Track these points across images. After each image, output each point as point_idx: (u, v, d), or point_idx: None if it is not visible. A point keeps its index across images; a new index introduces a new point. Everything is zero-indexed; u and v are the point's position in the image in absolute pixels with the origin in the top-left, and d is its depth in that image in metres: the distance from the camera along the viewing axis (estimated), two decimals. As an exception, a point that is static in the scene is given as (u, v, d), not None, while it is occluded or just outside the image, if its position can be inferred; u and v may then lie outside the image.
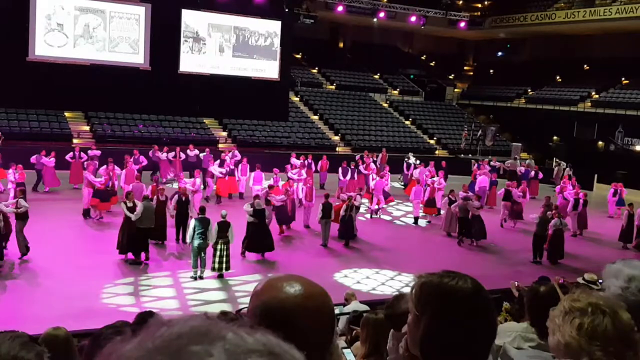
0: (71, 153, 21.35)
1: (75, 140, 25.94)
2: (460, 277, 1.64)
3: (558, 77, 40.15)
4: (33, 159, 20.36)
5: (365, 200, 22.34)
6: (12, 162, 18.57)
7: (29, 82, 24.68)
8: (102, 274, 13.26)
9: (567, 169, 28.46)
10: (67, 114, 28.00)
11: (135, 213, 14.04)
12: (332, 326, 1.35)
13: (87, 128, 27.84)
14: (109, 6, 27.46)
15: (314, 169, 23.84)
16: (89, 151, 21.63)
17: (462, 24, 40.18)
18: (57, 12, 26.42)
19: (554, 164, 30.74)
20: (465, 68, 48.06)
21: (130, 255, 14.10)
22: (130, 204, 14.25)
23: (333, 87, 39.55)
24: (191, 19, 29.29)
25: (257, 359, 0.79)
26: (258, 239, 14.94)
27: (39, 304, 11.53)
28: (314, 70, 40.57)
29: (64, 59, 26.57)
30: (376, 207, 20.86)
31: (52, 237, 15.21)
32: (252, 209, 14.89)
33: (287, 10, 31.24)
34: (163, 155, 22.94)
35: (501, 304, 7.36)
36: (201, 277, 13.46)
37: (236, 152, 23.51)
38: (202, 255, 13.52)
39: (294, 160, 20.81)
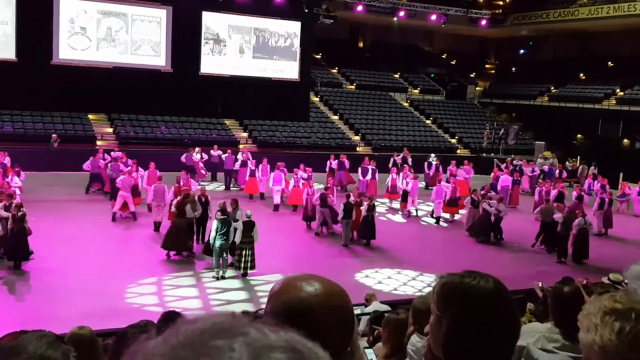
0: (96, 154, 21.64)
1: (98, 142, 26.27)
2: (481, 277, 1.63)
3: (581, 75, 39.65)
4: (87, 164, 20.63)
5: (385, 200, 22.31)
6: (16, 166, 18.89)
7: (53, 85, 25.03)
8: (126, 274, 13.40)
9: (592, 167, 28.09)
10: (90, 116, 28.36)
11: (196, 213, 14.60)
12: (352, 325, 1.35)
13: (110, 130, 28.16)
14: (130, 9, 27.74)
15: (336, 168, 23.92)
16: (112, 153, 21.86)
17: (484, 22, 39.86)
18: (80, 15, 26.75)
19: (576, 162, 30.37)
20: (486, 66, 47.68)
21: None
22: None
23: (353, 86, 39.50)
24: (212, 21, 29.47)
25: (279, 355, 0.79)
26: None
27: (64, 303, 11.68)
28: (334, 70, 40.55)
29: (87, 62, 26.89)
30: (412, 208, 20.85)
31: (78, 237, 15.39)
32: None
33: (306, 10, 31.28)
34: (197, 157, 23.17)
35: (525, 304, 7.30)
36: (223, 277, 13.54)
37: (248, 153, 23.67)
38: (224, 255, 13.60)
39: (300, 173, 20.77)
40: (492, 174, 25.11)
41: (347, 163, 24.05)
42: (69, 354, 1.48)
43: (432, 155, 27.10)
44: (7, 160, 20.03)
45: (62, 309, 11.16)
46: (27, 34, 24.58)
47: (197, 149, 23.68)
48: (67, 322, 5.77)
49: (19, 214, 13.26)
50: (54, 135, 24.25)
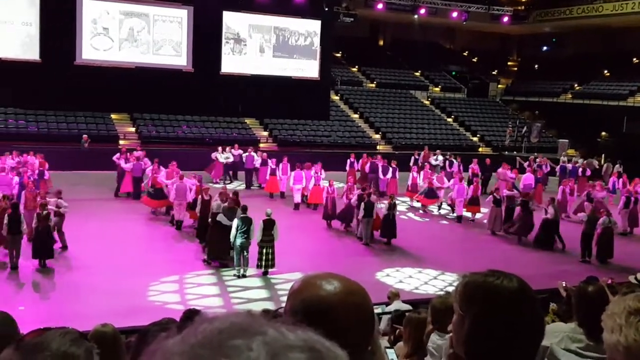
0: (117, 154, 21.84)
1: (121, 142, 26.54)
2: (505, 276, 1.61)
3: (606, 71, 39.08)
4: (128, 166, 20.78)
5: (406, 199, 22.22)
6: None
7: (76, 85, 25.32)
8: (148, 272, 13.52)
9: (617, 165, 27.68)
10: (113, 116, 28.67)
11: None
12: (373, 324, 1.34)
13: (132, 129, 28.44)
14: (152, 10, 27.96)
15: (356, 167, 23.86)
16: (134, 152, 22.07)
17: (506, 19, 39.47)
18: (102, 16, 27.03)
19: (600, 160, 29.96)
20: (508, 63, 47.22)
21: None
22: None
23: (373, 85, 39.39)
24: (232, 21, 29.59)
25: (297, 354, 0.78)
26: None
27: (88, 301, 11.82)
28: (354, 69, 40.47)
29: (110, 62, 27.17)
30: (457, 214, 20.42)
31: (102, 235, 15.55)
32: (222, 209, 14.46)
33: (326, 9, 31.26)
34: (222, 159, 23.39)
35: (548, 304, 7.22)
36: (244, 275, 13.59)
37: (252, 153, 23.71)
38: (245, 253, 13.65)
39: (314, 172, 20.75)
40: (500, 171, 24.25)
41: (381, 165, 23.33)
42: (92, 351, 1.49)
43: (444, 154, 26.92)
44: (32, 160, 20.28)
45: (85, 307, 11.29)
46: (50, 35, 24.90)
47: (222, 149, 23.92)
48: (90, 320, 5.83)
49: (44, 212, 13.46)
50: (84, 136, 24.61)
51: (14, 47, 24.53)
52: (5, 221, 13.28)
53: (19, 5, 24.47)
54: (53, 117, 27.01)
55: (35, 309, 11.09)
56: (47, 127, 26.51)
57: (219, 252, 14.29)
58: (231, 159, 23.79)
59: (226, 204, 14.44)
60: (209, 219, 14.53)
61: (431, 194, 20.80)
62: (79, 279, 13.22)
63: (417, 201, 21.42)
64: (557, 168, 26.94)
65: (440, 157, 26.13)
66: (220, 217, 14.18)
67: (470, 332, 1.57)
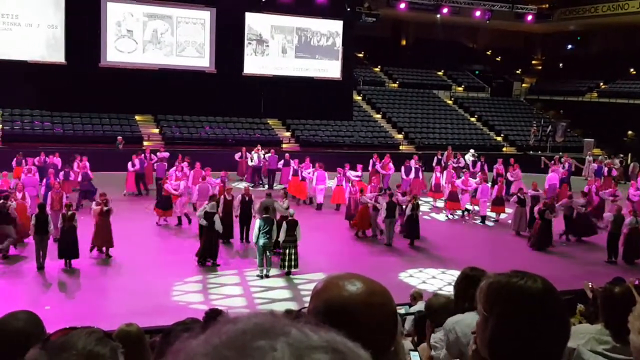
0: (142, 155, 22.08)
1: (145, 143, 26.80)
2: (529, 277, 1.60)
3: (632, 70, 38.45)
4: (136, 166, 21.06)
5: (429, 199, 22.10)
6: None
7: (101, 87, 25.61)
8: (172, 272, 13.62)
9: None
10: (137, 117, 28.97)
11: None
12: (395, 324, 1.34)
13: (156, 130, 28.70)
14: (175, 12, 28.17)
15: (378, 168, 23.77)
16: (158, 153, 22.27)
17: (529, 17, 39.05)
18: (126, 19, 27.31)
19: (627, 159, 29.48)
20: (533, 62, 46.72)
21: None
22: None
23: (396, 85, 39.24)
24: (254, 22, 29.69)
25: (320, 355, 0.79)
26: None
27: (112, 300, 11.97)
28: (377, 69, 40.36)
29: (134, 64, 27.42)
30: (481, 214, 20.19)
31: (126, 236, 15.66)
32: (204, 212, 14.36)
33: (348, 9, 31.20)
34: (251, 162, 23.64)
35: (575, 305, 7.12)
36: (267, 276, 13.64)
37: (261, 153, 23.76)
38: (267, 254, 13.69)
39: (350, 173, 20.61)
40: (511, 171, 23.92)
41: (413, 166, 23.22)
42: (117, 350, 1.50)
43: (472, 151, 26.68)
44: (57, 161, 20.59)
45: (110, 306, 11.43)
46: (76, 38, 25.21)
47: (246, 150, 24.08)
48: (115, 319, 5.90)
49: (69, 213, 13.64)
50: (119, 138, 24.91)
51: (40, 50, 24.89)
52: (33, 222, 13.50)
53: (45, 9, 24.83)
54: (78, 118, 27.38)
55: (61, 308, 11.23)
56: (73, 128, 26.89)
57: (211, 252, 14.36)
58: (256, 162, 23.90)
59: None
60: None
61: (453, 197, 20.56)
62: (103, 278, 13.39)
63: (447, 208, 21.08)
64: (585, 167, 26.55)
65: (469, 157, 25.74)
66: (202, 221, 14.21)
67: (494, 333, 1.56)
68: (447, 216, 20.52)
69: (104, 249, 14.43)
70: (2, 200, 14.16)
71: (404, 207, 16.93)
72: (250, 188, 18.19)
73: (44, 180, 17.67)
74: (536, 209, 17.36)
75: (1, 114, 26.72)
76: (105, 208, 14.27)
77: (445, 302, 4.51)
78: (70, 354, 1.40)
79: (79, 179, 19.24)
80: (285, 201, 15.53)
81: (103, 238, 14.32)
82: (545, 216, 16.82)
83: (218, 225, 14.12)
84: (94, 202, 15.39)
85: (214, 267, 14.10)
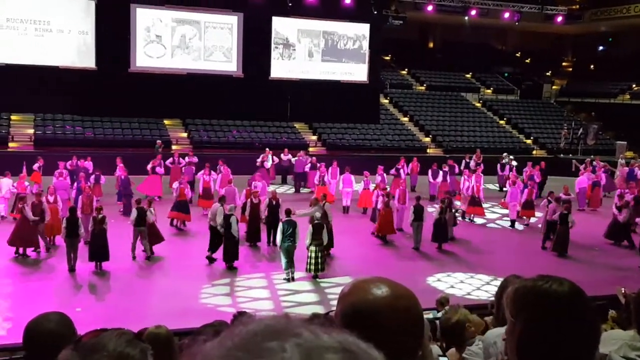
0: (171, 158, 22.32)
1: (174, 147, 27.08)
2: (555, 280, 1.59)
3: (666, 71, 37.67)
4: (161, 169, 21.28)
5: (457, 203, 21.89)
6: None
7: (130, 92, 25.96)
8: (200, 275, 13.73)
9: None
10: (166, 122, 29.31)
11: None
12: (422, 327, 1.34)
13: (184, 135, 29.00)
14: (203, 17, 28.44)
15: (406, 171, 23.56)
16: (187, 157, 22.47)
17: (559, 19, 38.52)
18: (155, 24, 27.65)
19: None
20: (563, 64, 46.06)
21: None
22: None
23: (423, 87, 39.03)
24: (281, 26, 29.81)
25: (331, 355, 0.80)
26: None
27: (142, 303, 12.10)
28: (404, 72, 40.20)
29: (162, 69, 27.74)
30: (510, 218, 20.05)
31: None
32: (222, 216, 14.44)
33: (375, 12, 31.15)
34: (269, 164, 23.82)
35: (607, 311, 6.99)
36: (293, 279, 13.65)
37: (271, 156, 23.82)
38: (291, 257, 13.73)
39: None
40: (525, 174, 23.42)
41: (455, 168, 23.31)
42: (146, 351, 1.52)
43: (504, 154, 26.35)
44: (89, 165, 20.89)
45: (139, 308, 11.56)
46: (106, 43, 25.61)
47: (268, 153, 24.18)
48: (144, 321, 5.96)
49: (100, 216, 13.85)
50: (158, 141, 25.24)
51: (71, 56, 25.33)
52: (64, 225, 13.75)
53: (76, 15, 25.27)
54: (108, 123, 27.81)
55: (92, 310, 11.40)
56: (103, 132, 27.32)
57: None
58: (276, 160, 24.00)
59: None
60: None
61: (475, 202, 20.26)
62: (133, 281, 13.55)
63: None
64: (617, 171, 26.04)
65: (507, 162, 25.43)
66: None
67: (521, 338, 1.55)
68: (468, 220, 20.33)
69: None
70: (36, 201, 14.54)
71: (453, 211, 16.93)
72: (277, 191, 18.25)
73: (75, 184, 17.97)
74: (557, 213, 16.97)
75: (34, 119, 27.26)
76: (100, 215, 14.00)
77: (456, 320, 4.39)
78: (101, 355, 1.42)
79: (120, 183, 19.47)
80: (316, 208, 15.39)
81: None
82: (568, 220, 16.49)
83: (234, 228, 14.17)
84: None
85: (235, 270, 14.18)
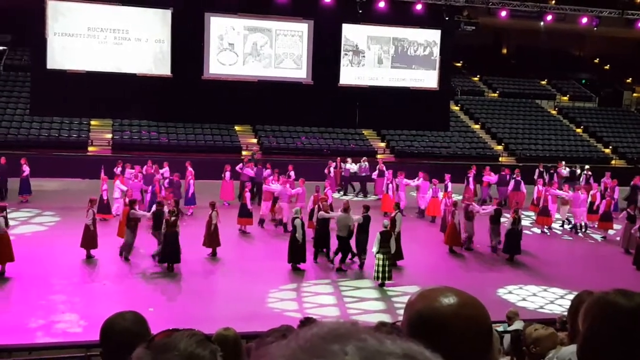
0: (240, 164, 22.73)
1: (244, 152, 27.59)
2: (624, 294, 1.58)
3: None
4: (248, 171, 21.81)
5: (531, 213, 21.26)
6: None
7: (204, 98, 26.64)
8: (268, 279, 13.89)
9: None
10: (237, 128, 29.91)
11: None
12: (489, 337, 1.32)
13: (254, 140, 29.49)
14: (275, 25, 28.87)
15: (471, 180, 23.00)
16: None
17: (641, 23, 36.86)
18: (228, 32, 28.28)
19: None
20: (644, 70, 44.06)
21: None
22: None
23: (496, 94, 38.20)
24: (351, 33, 29.88)
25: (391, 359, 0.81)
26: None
27: (210, 304, 12.35)
28: (475, 78, 39.47)
29: (234, 76, 28.31)
30: (582, 223, 19.54)
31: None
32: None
33: (447, 18, 30.75)
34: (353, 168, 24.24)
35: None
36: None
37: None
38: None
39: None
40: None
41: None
42: (216, 353, 1.54)
43: (577, 166, 25.46)
44: (166, 172, 21.32)
45: (208, 310, 11.80)
46: (181, 51, 26.39)
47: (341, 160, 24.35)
48: (213, 323, 6.08)
49: (172, 219, 14.25)
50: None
51: (148, 63, 26.24)
52: (150, 218, 14.72)
53: (153, 24, 26.18)
54: (182, 129, 28.64)
55: (163, 310, 11.72)
56: (177, 138, 28.15)
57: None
58: (355, 169, 24.12)
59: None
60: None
61: (545, 212, 19.56)
62: (202, 283, 13.85)
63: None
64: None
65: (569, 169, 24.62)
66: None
67: (583, 347, 1.57)
68: (542, 231, 19.69)
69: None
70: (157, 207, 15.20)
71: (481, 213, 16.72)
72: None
73: (150, 188, 18.55)
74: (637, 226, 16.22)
75: (112, 124, 28.43)
76: (172, 218, 14.40)
77: (536, 337, 4.27)
78: (173, 355, 1.45)
79: (188, 187, 19.99)
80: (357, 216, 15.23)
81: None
82: (628, 219, 15.82)
83: (299, 232, 14.28)
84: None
85: (301, 272, 14.31)
